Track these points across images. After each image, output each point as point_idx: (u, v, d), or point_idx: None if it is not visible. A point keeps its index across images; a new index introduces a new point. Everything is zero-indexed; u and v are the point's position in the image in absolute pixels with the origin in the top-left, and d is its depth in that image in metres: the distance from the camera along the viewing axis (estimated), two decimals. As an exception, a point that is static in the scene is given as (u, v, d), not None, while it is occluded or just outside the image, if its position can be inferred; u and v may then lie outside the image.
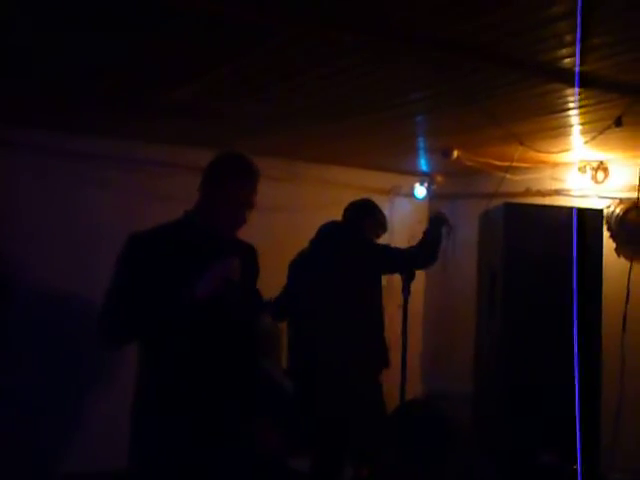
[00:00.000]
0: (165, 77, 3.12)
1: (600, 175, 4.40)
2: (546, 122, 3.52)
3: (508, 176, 4.36)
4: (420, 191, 5.55)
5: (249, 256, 2.54)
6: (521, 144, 3.73)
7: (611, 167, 4.40)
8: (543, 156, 4.22)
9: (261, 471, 2.68)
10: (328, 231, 3.67)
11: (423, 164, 5.36)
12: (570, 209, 3.98)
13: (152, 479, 2.31)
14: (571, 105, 3.23)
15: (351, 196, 3.99)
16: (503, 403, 3.87)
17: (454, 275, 5.48)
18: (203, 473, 2.33)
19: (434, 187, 5.59)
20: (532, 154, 4.12)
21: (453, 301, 5.62)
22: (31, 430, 4.30)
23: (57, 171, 4.38)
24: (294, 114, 3.77)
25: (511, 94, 3.11)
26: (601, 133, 3.38)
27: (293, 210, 5.18)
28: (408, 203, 5.69)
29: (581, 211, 3.98)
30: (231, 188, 2.35)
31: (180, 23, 2.37)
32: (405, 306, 3.58)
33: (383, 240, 3.93)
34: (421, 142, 4.55)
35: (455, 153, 4.22)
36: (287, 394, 3.46)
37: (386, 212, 4.09)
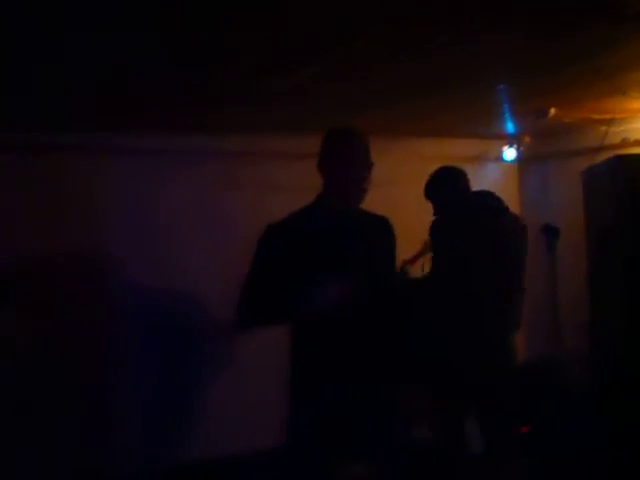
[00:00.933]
0: (266, 65, 3.17)
1: None
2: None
3: (603, 128, 4.26)
4: (509, 153, 5.49)
5: (383, 230, 2.61)
6: (624, 94, 3.65)
7: None
8: (643, 104, 4.11)
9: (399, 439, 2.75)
10: (477, 199, 3.66)
11: (510, 127, 5.29)
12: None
13: (307, 451, 2.43)
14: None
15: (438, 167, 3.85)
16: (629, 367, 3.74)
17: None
18: (351, 440, 2.42)
19: (522, 149, 5.53)
20: (631, 103, 4.01)
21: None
22: (142, 423, 4.49)
23: (132, 168, 4.49)
24: (389, 92, 3.79)
25: (617, 47, 3.05)
26: None
27: (383, 185, 5.20)
28: (497, 167, 5.64)
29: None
30: (349, 156, 2.43)
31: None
32: (553, 265, 3.49)
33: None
34: (512, 106, 4.48)
35: (552, 111, 4.16)
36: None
37: (476, 178, 4.00)
